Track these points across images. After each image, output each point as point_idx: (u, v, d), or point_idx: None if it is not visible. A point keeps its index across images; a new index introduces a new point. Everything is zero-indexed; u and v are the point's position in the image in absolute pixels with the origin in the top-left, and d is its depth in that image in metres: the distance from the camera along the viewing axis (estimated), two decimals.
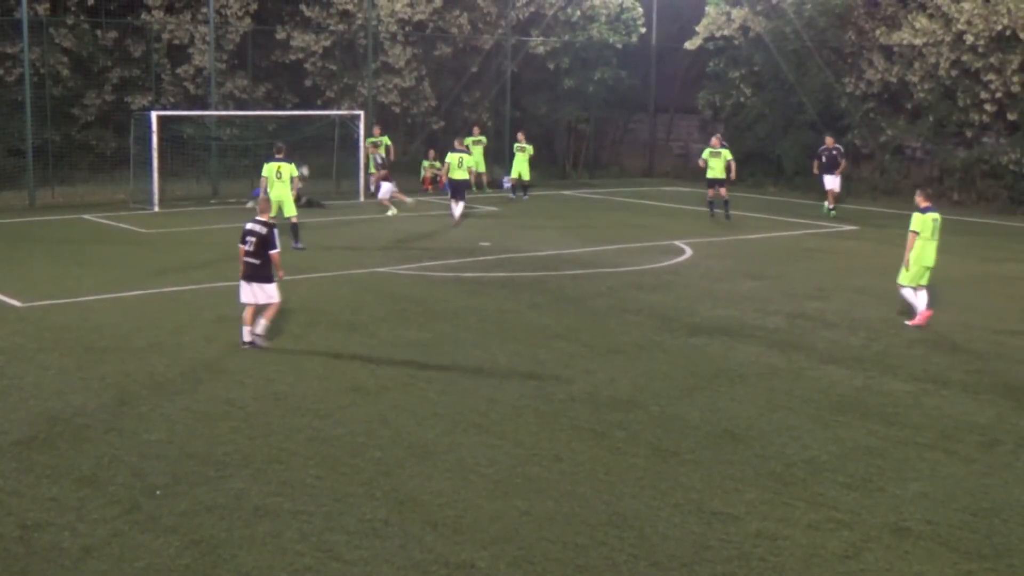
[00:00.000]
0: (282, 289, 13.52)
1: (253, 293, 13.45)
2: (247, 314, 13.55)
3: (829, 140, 29.81)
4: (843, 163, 29.49)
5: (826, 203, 29.16)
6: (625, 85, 39.17)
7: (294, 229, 21.15)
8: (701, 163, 27.58)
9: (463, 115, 36.75)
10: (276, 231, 13.49)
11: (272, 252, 13.32)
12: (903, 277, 15.57)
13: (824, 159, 29.26)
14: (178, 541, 7.85)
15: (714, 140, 27.87)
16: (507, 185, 33.84)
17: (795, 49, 35.40)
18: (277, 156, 21.22)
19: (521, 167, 32.11)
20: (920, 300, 15.50)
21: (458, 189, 25.96)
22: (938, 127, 32.56)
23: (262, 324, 13.52)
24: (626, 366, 13.02)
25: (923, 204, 15.54)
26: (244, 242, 13.42)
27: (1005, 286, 19.08)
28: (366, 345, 13.76)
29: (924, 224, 15.40)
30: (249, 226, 13.48)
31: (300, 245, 21.09)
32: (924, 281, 15.55)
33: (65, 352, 13.15)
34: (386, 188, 27.76)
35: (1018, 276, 20.11)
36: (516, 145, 32.71)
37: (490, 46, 36.56)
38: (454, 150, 26.67)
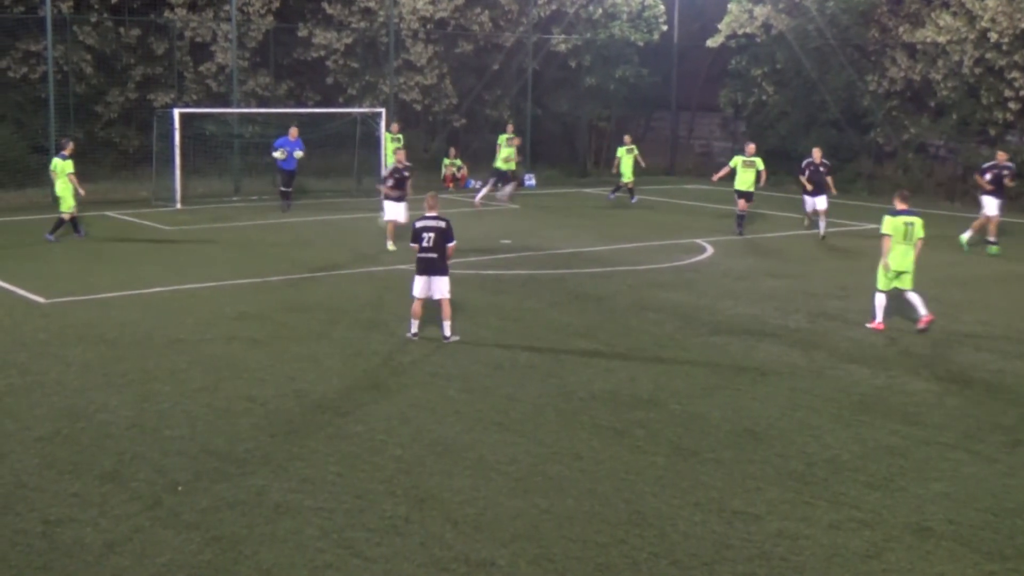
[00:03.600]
0: (302, 287, 13.52)
1: (427, 287, 13.88)
2: (416, 307, 13.97)
3: (1001, 155, 23.81)
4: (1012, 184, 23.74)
5: (968, 233, 23.30)
6: (647, 83, 39.06)
7: (60, 223, 21.79)
8: (725, 171, 25.17)
9: (484, 113, 36.75)
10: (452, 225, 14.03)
11: (449, 244, 13.90)
12: (879, 281, 15.28)
13: (989, 177, 23.15)
14: (199, 537, 7.88)
15: (750, 147, 25.32)
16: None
17: (818, 47, 35.25)
18: (63, 153, 22.20)
19: (626, 168, 31.27)
20: (916, 304, 15.10)
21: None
22: (962, 125, 32.36)
23: (447, 326, 13.88)
24: (647, 364, 13.00)
25: (899, 207, 15.15)
26: (419, 240, 13.79)
27: None
28: (387, 343, 13.78)
29: (895, 227, 15.00)
30: (422, 224, 13.86)
31: (52, 238, 21.68)
32: (906, 285, 15.17)
33: (87, 348, 13.22)
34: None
35: None
36: (623, 148, 31.52)
37: (511, 44, 36.54)
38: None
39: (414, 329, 13.95)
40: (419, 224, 13.90)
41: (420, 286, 13.86)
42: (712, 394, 11.85)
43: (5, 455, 9.52)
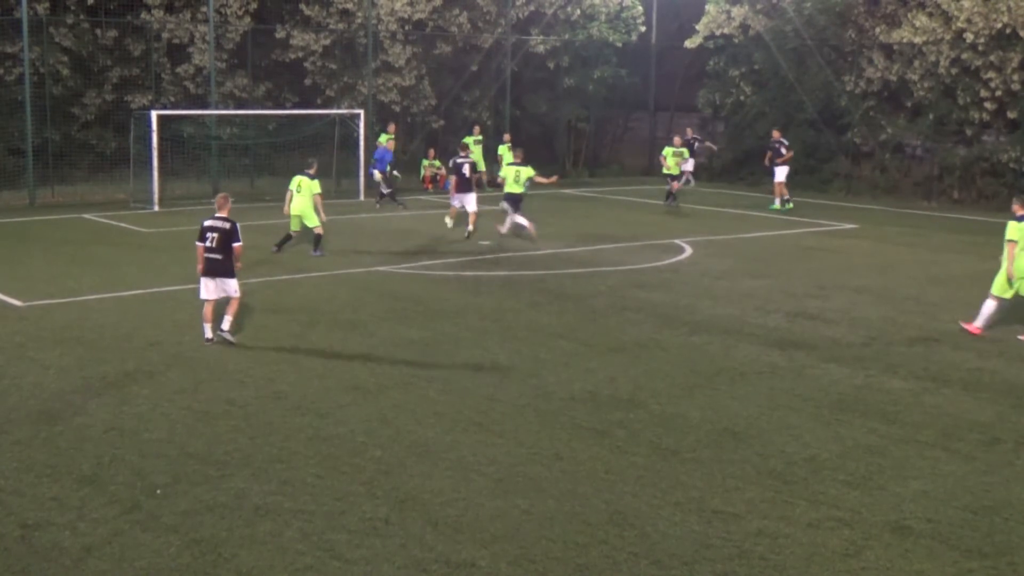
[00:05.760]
0: (281, 289, 13.46)
1: (216, 289, 13.60)
2: (207, 311, 13.69)
3: None
4: None
5: None
6: (625, 84, 39.16)
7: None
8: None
9: (463, 114, 36.74)
10: None
11: (235, 245, 13.51)
12: (995, 287, 14.92)
13: None
14: (179, 540, 7.85)
15: (517, 153, 23.73)
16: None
17: (795, 47, 35.40)
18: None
19: (672, 167, 30.48)
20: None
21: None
22: (938, 125, 32.56)
23: (228, 321, 13.62)
24: (626, 365, 13.02)
25: (1020, 212, 14.70)
26: (204, 239, 13.48)
27: None
28: (366, 344, 13.76)
29: (1022, 233, 14.59)
30: (208, 223, 13.58)
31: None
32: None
33: (66, 351, 13.14)
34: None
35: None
36: (670, 149, 30.69)
37: (490, 45, 36.53)
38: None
39: (207, 334, 13.63)
40: (206, 223, 13.70)
41: (208, 288, 13.64)
42: (692, 394, 11.88)
43: None
